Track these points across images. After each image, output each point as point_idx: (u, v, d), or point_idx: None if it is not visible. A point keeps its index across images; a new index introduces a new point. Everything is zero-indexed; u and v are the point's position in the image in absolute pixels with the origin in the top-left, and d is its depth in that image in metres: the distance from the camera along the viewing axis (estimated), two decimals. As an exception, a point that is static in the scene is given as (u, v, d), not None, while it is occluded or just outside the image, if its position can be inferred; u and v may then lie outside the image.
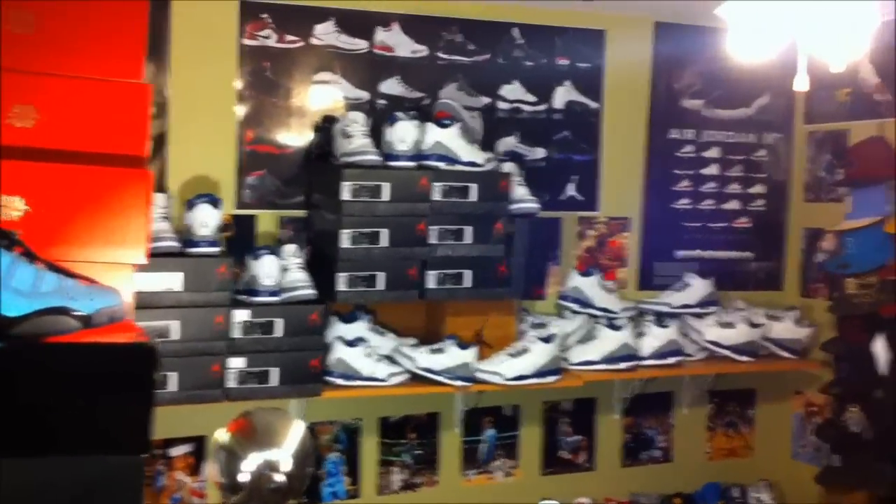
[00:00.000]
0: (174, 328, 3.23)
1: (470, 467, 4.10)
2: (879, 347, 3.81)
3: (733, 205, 4.49)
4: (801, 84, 2.38)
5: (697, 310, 4.20)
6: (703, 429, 4.53)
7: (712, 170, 4.45)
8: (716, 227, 4.47)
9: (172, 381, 3.23)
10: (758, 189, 4.53)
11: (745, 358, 4.15)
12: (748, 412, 4.60)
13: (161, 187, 3.48)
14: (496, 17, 4.01)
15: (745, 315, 4.20)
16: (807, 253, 4.49)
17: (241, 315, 3.34)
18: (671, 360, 4.04)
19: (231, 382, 3.32)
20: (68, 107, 2.41)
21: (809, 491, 4.27)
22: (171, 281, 3.23)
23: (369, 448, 3.93)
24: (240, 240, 3.60)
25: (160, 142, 3.51)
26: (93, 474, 2.05)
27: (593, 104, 4.20)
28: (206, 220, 3.33)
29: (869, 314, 3.94)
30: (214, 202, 3.36)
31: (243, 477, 2.80)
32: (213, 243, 3.34)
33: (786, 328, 4.25)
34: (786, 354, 4.25)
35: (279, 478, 2.80)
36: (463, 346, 3.63)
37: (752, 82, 4.33)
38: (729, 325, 4.16)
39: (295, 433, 2.85)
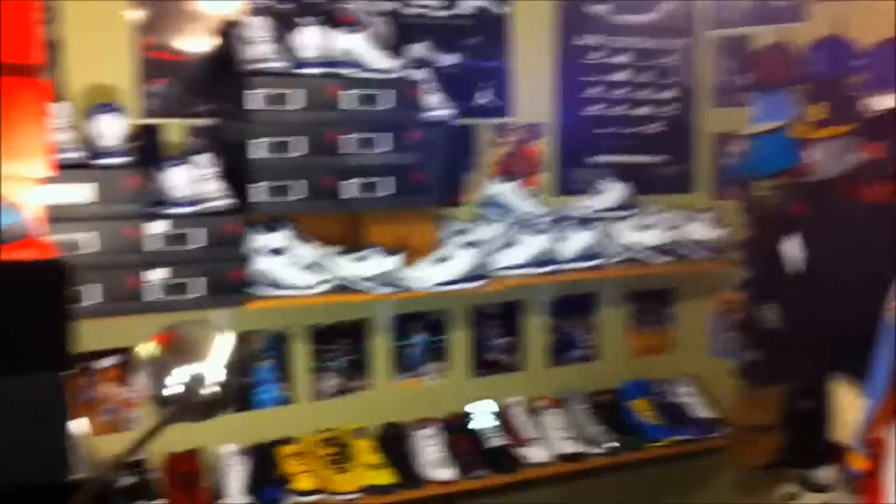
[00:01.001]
0: (87, 241, 3.11)
1: (402, 371, 4.08)
2: (790, 247, 3.88)
3: (645, 110, 4.51)
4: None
5: (616, 213, 4.22)
6: (626, 328, 4.58)
7: (623, 75, 4.44)
8: (629, 133, 4.48)
9: (94, 294, 3.12)
10: (668, 94, 4.55)
11: (663, 258, 4.19)
12: (668, 311, 4.67)
13: (60, 97, 3.29)
14: (400, -83, 3.91)
15: (661, 217, 4.23)
16: (717, 156, 4.54)
17: (156, 227, 3.22)
18: (593, 263, 4.04)
19: (153, 294, 3.22)
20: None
21: (728, 385, 4.36)
22: (80, 193, 3.09)
23: (301, 355, 3.87)
24: (148, 150, 3.45)
25: (54, 48, 3.31)
26: (15, 394, 1.97)
27: (502, 9, 4.14)
28: (110, 130, 3.19)
29: (780, 214, 4.01)
30: (117, 111, 3.22)
31: (174, 389, 2.71)
32: (121, 154, 3.20)
33: (701, 229, 4.30)
34: (703, 254, 4.29)
35: (210, 388, 2.72)
36: (387, 253, 3.56)
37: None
38: (647, 227, 4.19)
39: (224, 343, 2.77)
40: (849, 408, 3.42)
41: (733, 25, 4.40)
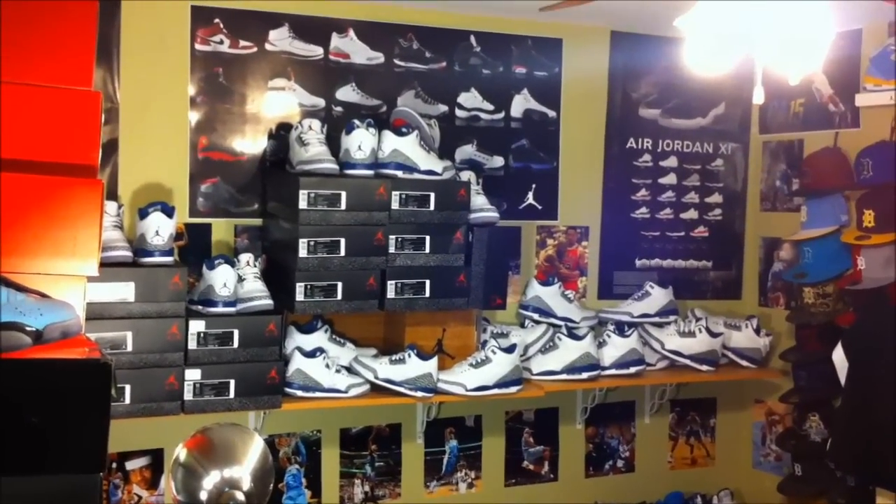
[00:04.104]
0: (127, 339, 3.15)
1: (432, 479, 4.05)
2: (838, 357, 3.80)
3: (691, 214, 4.49)
4: (758, 97, 2.38)
5: (657, 319, 4.19)
6: (665, 438, 4.51)
7: (670, 179, 4.44)
8: (674, 237, 4.46)
9: (127, 394, 3.15)
10: (715, 198, 4.54)
11: (705, 367, 4.14)
12: (709, 421, 4.59)
13: (112, 195, 3.39)
14: (452, 25, 3.98)
15: (704, 324, 4.19)
16: (764, 262, 4.50)
17: (196, 326, 3.26)
18: (632, 370, 4.02)
19: (188, 395, 3.25)
20: (15, 115, 2.35)
21: (771, 500, 4.26)
22: (123, 291, 3.15)
23: (330, 460, 3.86)
24: (194, 249, 3.53)
25: (111, 148, 3.42)
26: (48, 494, 1.99)
27: (551, 113, 4.18)
28: (158, 228, 3.25)
29: (826, 323, 3.95)
30: (167, 210, 3.28)
31: (202, 496, 2.73)
32: (166, 252, 3.26)
33: (745, 337, 4.25)
34: (745, 363, 4.24)
35: (239, 496, 2.74)
36: (423, 356, 3.57)
37: (708, 92, 4.34)
38: (689, 334, 4.15)
39: (254, 449, 2.79)
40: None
41: (786, 130, 4.38)
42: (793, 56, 2.25)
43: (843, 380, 3.78)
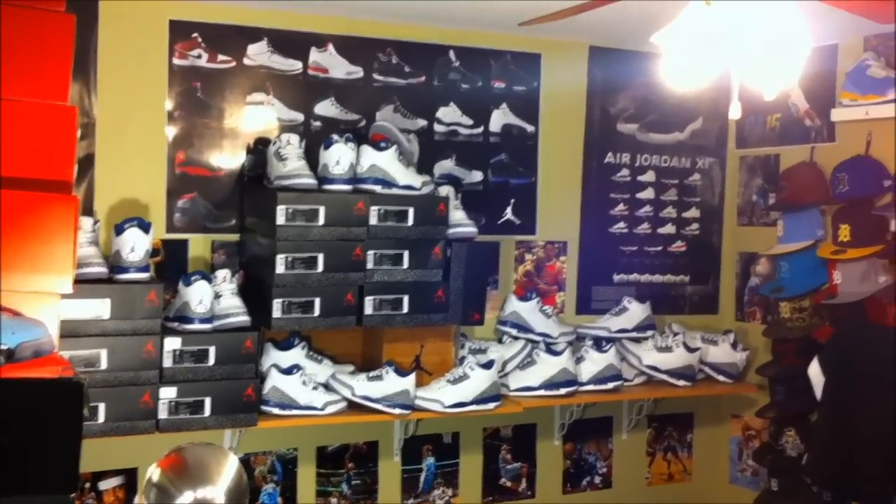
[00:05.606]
0: (102, 357, 3.11)
1: (409, 497, 4.02)
2: (814, 371, 3.82)
3: (669, 229, 4.50)
4: (734, 113, 2.38)
5: (635, 334, 4.20)
6: (643, 454, 4.51)
7: (648, 194, 4.45)
8: (652, 251, 4.47)
9: (101, 413, 3.11)
10: (692, 213, 4.55)
11: (682, 382, 4.15)
12: (687, 436, 4.60)
13: (88, 211, 3.36)
14: (432, 40, 3.97)
15: (682, 339, 4.20)
16: (741, 277, 4.51)
17: (172, 343, 3.23)
18: (610, 386, 4.02)
19: (162, 413, 3.21)
20: (-11, 129, 2.31)
21: (748, 515, 4.27)
22: (98, 308, 3.12)
23: (306, 478, 3.83)
24: (171, 265, 3.49)
25: (87, 163, 3.39)
26: None
27: (530, 127, 4.18)
28: (134, 244, 3.22)
29: (803, 338, 3.97)
30: (144, 226, 3.25)
31: (178, 516, 2.70)
32: (142, 269, 3.23)
33: (722, 352, 4.27)
34: (722, 378, 4.26)
35: (214, 515, 2.71)
36: (401, 373, 3.56)
37: (686, 107, 4.35)
38: (666, 349, 4.16)
39: (229, 468, 2.76)
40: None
41: (763, 144, 4.40)
42: (769, 72, 2.25)
43: (818, 395, 3.79)
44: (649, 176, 4.45)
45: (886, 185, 3.73)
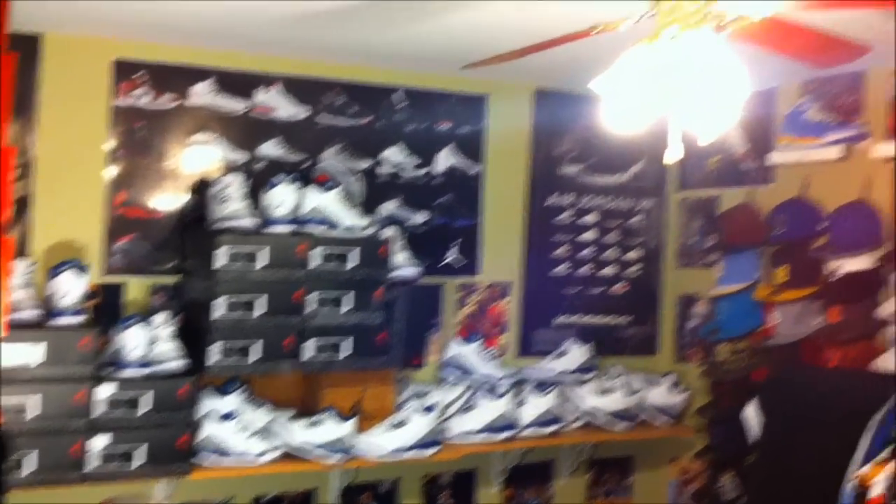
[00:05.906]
0: (33, 404, 3.03)
1: (347, 547, 3.96)
2: (750, 413, 3.84)
3: (610, 270, 4.52)
4: (672, 157, 2.38)
5: (577, 376, 4.19)
6: (583, 498, 4.48)
7: (590, 235, 4.47)
8: (593, 293, 4.48)
9: (30, 462, 3.01)
10: (634, 255, 4.58)
11: (623, 424, 4.15)
12: (627, 480, 4.58)
13: (24, 251, 3.28)
14: (379, 81, 3.96)
15: (622, 381, 4.21)
16: (680, 318, 4.54)
17: (105, 390, 3.16)
18: (550, 429, 4.01)
19: (93, 463, 3.13)
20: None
21: (686, 558, 4.29)
22: (30, 354, 3.04)
23: (242, 529, 3.76)
24: (107, 308, 3.42)
25: (24, 204, 3.32)
26: None
27: (474, 168, 4.18)
28: (69, 288, 3.16)
29: (740, 379, 4.00)
30: (79, 269, 3.19)
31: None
32: (76, 313, 3.16)
33: (662, 394, 4.28)
34: (662, 420, 4.27)
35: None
36: (341, 418, 3.52)
37: (629, 149, 4.36)
38: (607, 391, 4.17)
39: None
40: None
41: (703, 186, 4.44)
42: (707, 115, 2.27)
43: (750, 437, 3.81)
44: (592, 217, 4.47)
45: (821, 227, 3.77)
